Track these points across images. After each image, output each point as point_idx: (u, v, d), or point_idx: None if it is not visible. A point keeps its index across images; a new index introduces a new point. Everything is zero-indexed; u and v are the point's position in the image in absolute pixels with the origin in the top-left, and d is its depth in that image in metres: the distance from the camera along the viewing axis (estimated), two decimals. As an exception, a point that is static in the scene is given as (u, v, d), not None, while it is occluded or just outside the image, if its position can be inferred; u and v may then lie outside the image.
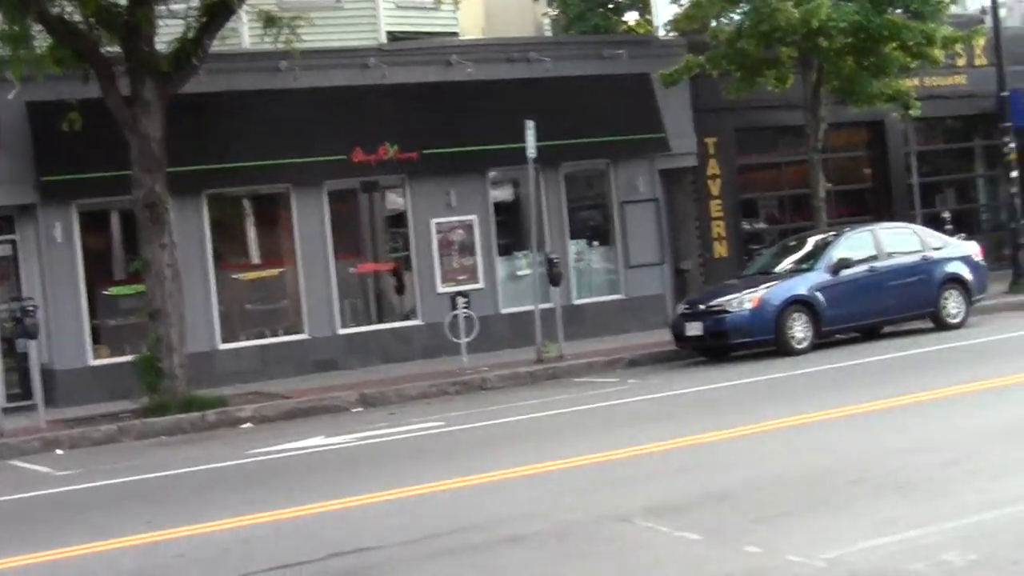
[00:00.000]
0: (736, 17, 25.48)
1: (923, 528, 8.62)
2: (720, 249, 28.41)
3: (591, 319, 27.41)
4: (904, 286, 23.37)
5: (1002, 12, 35.30)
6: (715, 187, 28.59)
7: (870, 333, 23.86)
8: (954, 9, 31.47)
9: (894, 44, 25.45)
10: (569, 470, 12.52)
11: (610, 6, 36.02)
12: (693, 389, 18.92)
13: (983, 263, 24.86)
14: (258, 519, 11.36)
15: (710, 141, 28.48)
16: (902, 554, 8.03)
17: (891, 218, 29.69)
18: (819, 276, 22.69)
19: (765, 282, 22.79)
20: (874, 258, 23.38)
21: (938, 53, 25.66)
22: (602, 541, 9.29)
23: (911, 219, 29.88)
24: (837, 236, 23.58)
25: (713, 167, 28.59)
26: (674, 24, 25.93)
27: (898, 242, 24.01)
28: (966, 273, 24.09)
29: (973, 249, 24.80)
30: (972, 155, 33.79)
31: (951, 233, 27.51)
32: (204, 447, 17.75)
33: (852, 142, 31.93)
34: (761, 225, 30.05)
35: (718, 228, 28.53)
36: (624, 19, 36.36)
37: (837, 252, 22.99)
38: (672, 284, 28.29)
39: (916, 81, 30.16)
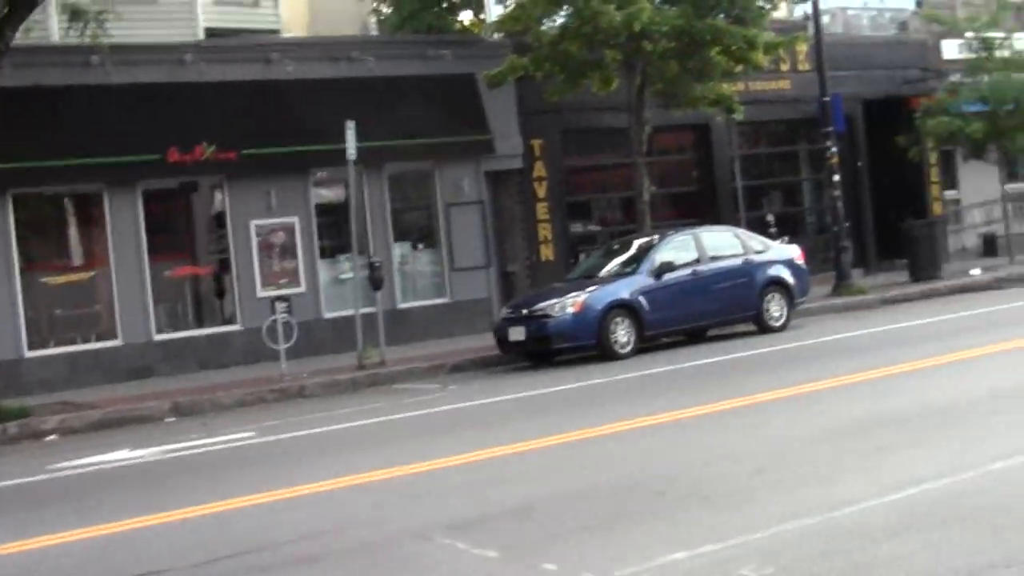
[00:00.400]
0: (559, 19, 25.27)
1: (723, 542, 8.42)
2: (547, 252, 28.23)
3: (417, 323, 27.06)
4: (727, 289, 23.43)
5: (825, 19, 35.79)
6: (542, 189, 28.41)
7: (695, 336, 23.88)
8: (778, 15, 31.85)
9: (717, 49, 25.50)
10: (374, 483, 12.15)
11: (444, 5, 35.62)
12: (512, 396, 18.65)
13: (805, 266, 25.02)
14: (44, 542, 10.78)
15: (536, 143, 28.29)
16: (698, 570, 7.83)
17: (717, 221, 29.84)
18: (642, 280, 22.60)
19: (588, 286, 22.65)
20: (697, 261, 23.38)
21: (760, 58, 25.77)
22: (400, 560, 8.94)
23: (736, 222, 30.06)
24: (660, 240, 23.55)
25: (540, 169, 28.41)
26: (499, 25, 25.66)
27: (721, 245, 24.07)
28: (788, 276, 24.23)
29: (795, 252, 24.97)
30: (797, 159, 34.15)
31: (775, 236, 27.78)
32: (1, 462, 16.98)
33: (679, 145, 32.06)
34: (590, 228, 29.93)
35: (545, 231, 28.34)
36: (459, 18, 35.98)
37: (659, 256, 22.94)
38: (499, 287, 28.04)
39: (741, 85, 30.36)
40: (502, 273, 28.27)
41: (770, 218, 29.06)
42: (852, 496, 9.47)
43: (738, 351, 21.39)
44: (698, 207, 31.49)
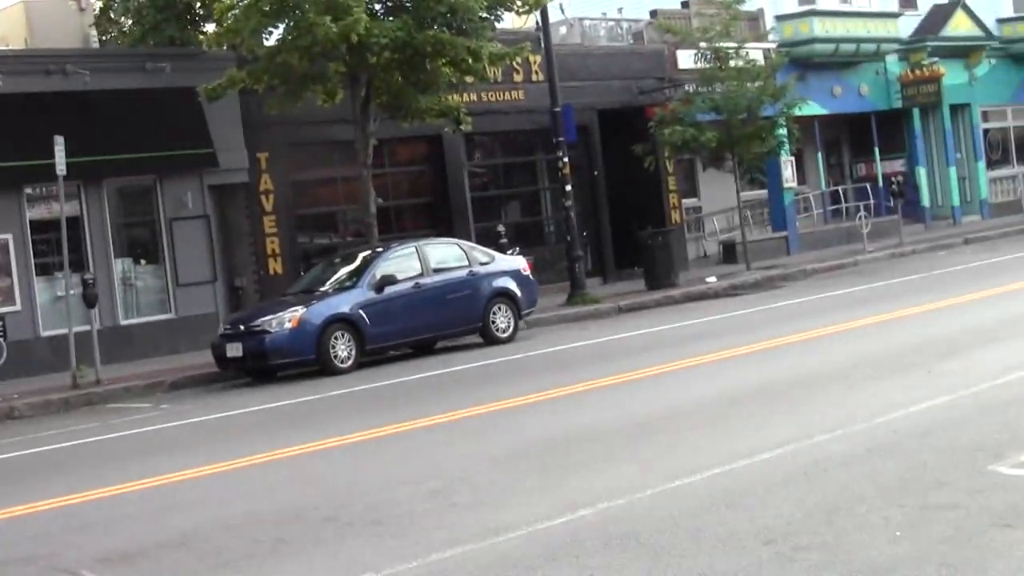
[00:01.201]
0: (276, 31, 24.70)
1: (383, 570, 8.19)
2: (275, 266, 27.61)
3: (140, 340, 26.18)
4: (451, 302, 23.18)
5: (563, 30, 36.01)
6: (269, 203, 27.78)
7: (423, 349, 23.58)
8: (511, 25, 31.84)
9: (443, 60, 25.23)
10: (45, 512, 11.53)
11: (188, 16, 34.46)
12: (222, 415, 18.11)
13: (532, 277, 24.94)
14: None
15: (262, 156, 27.65)
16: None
17: (451, 233, 29.61)
18: (363, 293, 22.19)
19: (308, 300, 22.14)
20: (420, 274, 23.04)
21: (485, 69, 25.61)
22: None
23: (470, 234, 29.84)
24: (381, 253, 23.17)
25: (266, 182, 27.77)
26: (217, 38, 24.90)
27: (445, 258, 23.82)
28: (514, 287, 24.10)
29: (521, 263, 24.87)
30: (535, 169, 34.13)
31: (506, 247, 27.63)
32: None
33: (413, 157, 31.72)
34: (320, 241, 29.36)
35: (273, 244, 27.70)
36: (205, 30, 34.87)
37: (380, 269, 22.57)
38: (227, 302, 27.30)
39: (474, 96, 30.21)
40: (230, 288, 27.56)
41: (501, 229, 28.86)
42: (522, 519, 9.24)
43: (460, 364, 21.14)
44: (433, 219, 31.23)
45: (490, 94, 31.13)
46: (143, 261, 27.05)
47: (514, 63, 30.49)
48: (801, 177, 41.36)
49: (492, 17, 25.61)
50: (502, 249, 27.42)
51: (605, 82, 33.88)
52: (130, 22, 33.29)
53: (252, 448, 14.01)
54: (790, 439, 11.07)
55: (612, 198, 34.22)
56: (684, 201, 38.25)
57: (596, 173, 33.84)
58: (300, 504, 10.79)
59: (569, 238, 29.29)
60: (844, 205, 41.03)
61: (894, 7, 41.13)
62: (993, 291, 22.20)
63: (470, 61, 24.93)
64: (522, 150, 33.77)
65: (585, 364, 19.02)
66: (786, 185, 37.93)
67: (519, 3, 25.61)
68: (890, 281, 27.40)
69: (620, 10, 38.59)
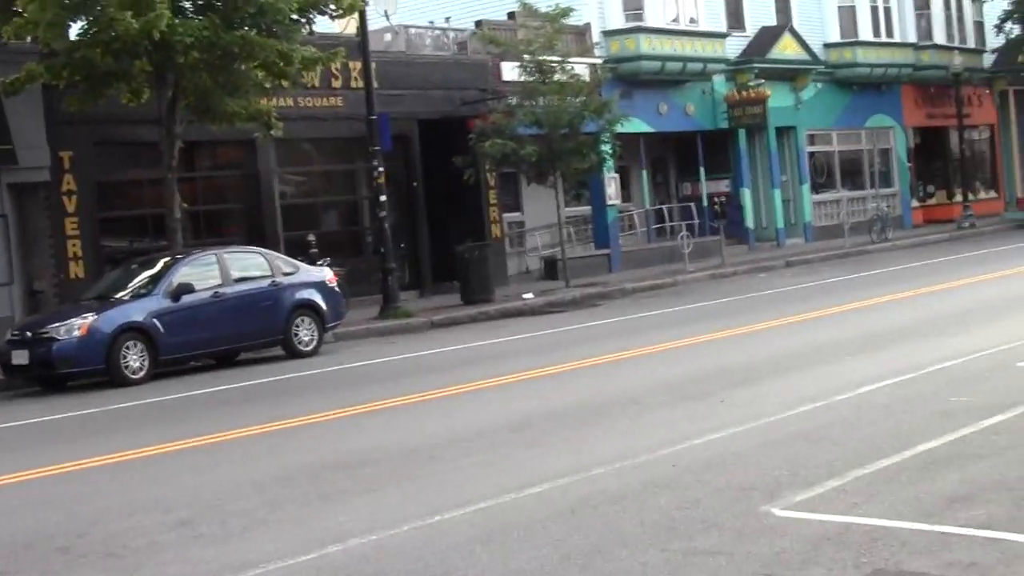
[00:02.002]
0: (77, 24, 23.64)
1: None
2: (76, 269, 26.46)
3: (-72, 345, 24.80)
4: (252, 312, 22.41)
5: (388, 37, 35.36)
6: (71, 204, 26.61)
7: (225, 361, 22.78)
8: (332, 29, 31.10)
9: (256, 62, 24.42)
10: None
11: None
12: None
13: (338, 289, 24.27)
14: None
15: (66, 155, 26.47)
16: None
17: (262, 240, 28.74)
18: (158, 302, 21.29)
19: (101, 307, 21.17)
20: (220, 284, 22.20)
21: (300, 73, 24.87)
22: None
23: (279, 242, 29.03)
24: (179, 260, 22.26)
25: (69, 182, 26.59)
26: (13, 29, 23.74)
27: (246, 267, 23.02)
28: (319, 299, 23.38)
29: (327, 275, 24.17)
30: (353, 177, 33.38)
31: (316, 257, 26.93)
32: None
33: (224, 161, 30.75)
34: (125, 245, 28.22)
35: (74, 247, 26.54)
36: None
37: (177, 277, 21.68)
38: (24, 306, 26.10)
39: (290, 101, 29.41)
40: (29, 291, 26.34)
41: (311, 238, 28.05)
42: (267, 555, 8.71)
43: (256, 378, 20.42)
44: (244, 226, 30.30)
45: (308, 100, 30.32)
46: (-68, 261, 25.74)
47: (333, 68, 29.92)
48: (627, 195, 41.30)
49: (304, 20, 24.79)
50: (312, 259, 26.73)
51: (427, 92, 33.26)
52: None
53: (5, 466, 13.15)
54: (567, 471, 10.61)
55: (432, 210, 33.60)
56: (508, 216, 37.85)
57: (415, 184, 33.21)
58: (37, 531, 10.06)
59: (382, 250, 28.62)
60: (669, 224, 40.95)
61: (722, 28, 41.22)
62: (803, 316, 22.14)
63: (281, 64, 24.13)
64: (340, 158, 32.98)
65: (381, 382, 18.45)
66: (609, 202, 37.72)
67: (332, 6, 24.83)
68: (705, 303, 27.30)
69: (448, 19, 38.03)
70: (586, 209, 39.14)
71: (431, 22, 37.68)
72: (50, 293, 26.22)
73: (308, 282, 23.47)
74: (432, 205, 33.64)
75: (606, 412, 13.59)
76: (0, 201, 25.93)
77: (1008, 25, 49.71)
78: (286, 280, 23.12)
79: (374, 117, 28.29)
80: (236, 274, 22.62)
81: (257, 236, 29.11)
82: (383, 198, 28.53)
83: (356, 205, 33.67)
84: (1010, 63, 51.03)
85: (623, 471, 10.52)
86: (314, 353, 22.95)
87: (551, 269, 35.48)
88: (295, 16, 24.30)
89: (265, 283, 22.85)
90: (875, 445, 10.73)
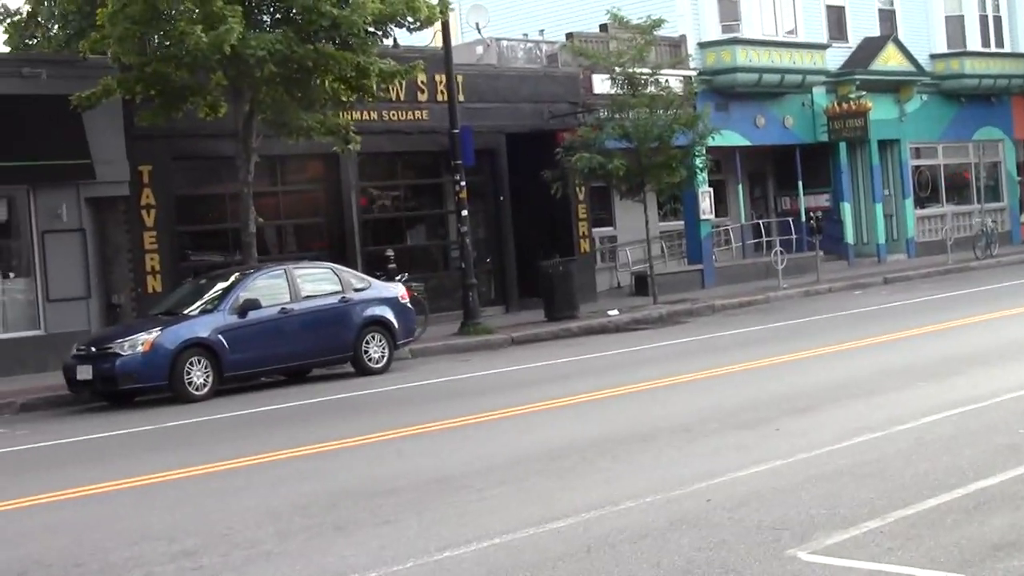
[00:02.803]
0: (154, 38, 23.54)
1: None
2: (155, 284, 26.37)
3: (7, 356, 24.90)
4: (321, 329, 22.10)
5: (479, 50, 35.00)
6: (150, 218, 26.55)
7: (296, 377, 22.51)
8: (418, 42, 30.79)
9: (332, 76, 24.15)
10: None
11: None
12: (41, 444, 16.95)
13: (410, 305, 23.85)
14: None
15: (145, 169, 26.43)
16: None
17: (343, 254, 28.56)
18: (224, 318, 21.02)
19: (168, 323, 20.97)
20: (287, 300, 21.90)
21: (374, 86, 24.54)
22: None
23: (357, 257, 28.72)
24: (246, 276, 21.98)
25: (148, 196, 26.53)
26: (89, 44, 23.71)
27: (316, 282, 22.70)
28: (390, 316, 22.99)
29: (399, 291, 23.77)
30: (440, 191, 33.02)
31: (395, 272, 26.60)
32: None
33: (307, 175, 30.52)
34: (204, 259, 28.09)
35: (152, 261, 26.46)
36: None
37: (244, 293, 21.39)
38: (103, 319, 26.05)
39: (374, 115, 29.18)
40: (107, 305, 26.30)
41: (389, 253, 27.64)
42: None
43: (321, 395, 20.09)
44: (325, 240, 30.08)
45: (392, 113, 30.04)
46: (11, 275, 25.75)
47: (419, 81, 29.63)
48: (723, 209, 40.55)
49: (381, 32, 24.47)
50: (391, 274, 26.37)
51: (515, 105, 32.82)
52: (56, 27, 32.25)
53: (39, 486, 12.91)
54: (595, 504, 10.08)
55: (519, 225, 33.12)
56: (600, 230, 37.30)
57: (502, 198, 32.76)
58: (37, 559, 9.78)
59: (463, 265, 28.19)
60: (765, 239, 40.06)
61: (823, 38, 40.29)
62: (885, 337, 21.35)
63: (358, 78, 23.83)
64: (425, 172, 32.60)
65: (441, 402, 18.06)
66: (703, 217, 36.97)
67: (410, 19, 24.45)
68: (791, 321, 26.57)
69: (542, 32, 37.58)
70: (680, 224, 38.43)
71: (525, 34, 37.25)
72: (128, 307, 26.16)
73: (379, 298, 23.10)
74: (520, 219, 33.16)
75: (653, 439, 13.00)
76: (79, 215, 25.88)
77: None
78: (356, 296, 22.77)
79: (456, 131, 27.89)
80: (305, 290, 22.31)
81: (339, 250, 28.92)
82: (465, 212, 28.14)
83: (441, 219, 33.29)
84: None
85: (653, 506, 9.96)
86: (384, 370, 22.57)
87: (641, 285, 34.81)
88: (371, 29, 23.94)
89: (335, 299, 22.51)
90: (927, 482, 10.07)
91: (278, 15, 24.14)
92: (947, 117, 45.21)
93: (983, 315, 23.75)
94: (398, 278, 26.34)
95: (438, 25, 27.58)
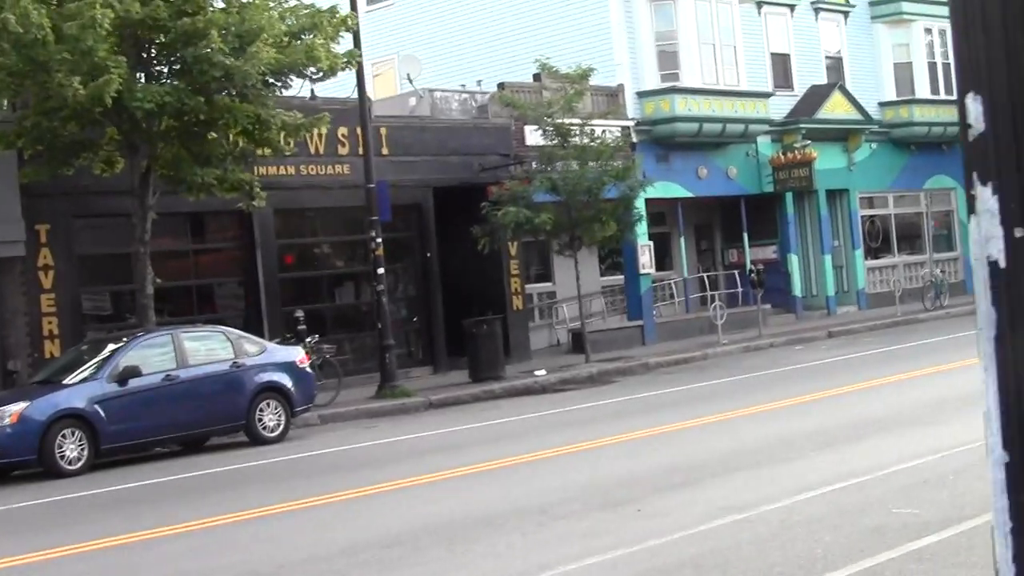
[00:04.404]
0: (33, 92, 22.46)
1: None
2: (52, 348, 25.15)
3: None
4: (209, 396, 20.93)
5: (412, 101, 34.07)
6: (48, 279, 25.37)
7: (195, 446, 21.35)
8: (338, 93, 29.82)
9: (235, 129, 23.15)
10: None
11: None
12: None
13: (309, 370, 22.71)
14: None
15: (42, 228, 25.28)
16: None
17: (257, 315, 27.49)
18: (102, 387, 19.83)
19: (41, 393, 19.80)
20: (173, 366, 20.73)
21: (278, 140, 23.56)
22: None
23: (277, 317, 27.60)
24: (129, 342, 20.81)
25: (46, 257, 25.37)
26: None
27: (206, 347, 21.53)
28: (286, 381, 21.83)
29: (297, 355, 22.60)
30: (366, 248, 31.83)
31: (304, 334, 25.51)
32: None
33: (222, 233, 29.40)
34: (104, 324, 26.86)
35: (50, 325, 25.27)
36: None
37: (124, 360, 20.21)
38: (-1, 387, 24.85)
39: (291, 169, 28.19)
40: (3, 372, 25.10)
41: (299, 314, 26.42)
42: None
43: (201, 468, 18.94)
44: (238, 300, 28.96)
45: (311, 167, 29.01)
46: (-102, 340, 24.60)
47: (339, 135, 28.70)
48: (668, 262, 39.62)
49: (280, 83, 23.46)
50: (301, 336, 25.28)
51: (443, 157, 31.81)
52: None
53: None
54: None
55: (449, 282, 32.01)
56: (538, 286, 36.33)
57: (429, 255, 31.69)
58: None
59: (380, 325, 27.05)
60: (710, 293, 39.03)
61: (767, 87, 39.45)
62: (807, 398, 20.35)
63: (263, 131, 22.82)
64: (348, 228, 31.43)
65: (326, 475, 17.01)
66: (642, 271, 35.93)
67: (312, 69, 23.45)
68: (721, 380, 25.56)
69: (479, 82, 36.63)
70: (622, 278, 37.40)
71: (463, 85, 36.34)
72: (25, 374, 24.93)
73: (275, 363, 21.94)
74: (449, 276, 32.07)
75: (503, 524, 11.89)
76: (-29, 276, 24.74)
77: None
78: (250, 361, 21.61)
79: (372, 185, 26.87)
80: (193, 355, 21.13)
81: (253, 311, 27.80)
82: (381, 271, 27.09)
83: (367, 277, 32.13)
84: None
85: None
86: (281, 439, 21.42)
87: (579, 342, 33.74)
88: (271, 80, 22.95)
89: (225, 365, 21.36)
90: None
91: (176, 66, 23.09)
92: (897, 166, 44.37)
93: (915, 371, 22.81)
94: (309, 340, 25.31)
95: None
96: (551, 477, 14.56)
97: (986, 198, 3.03)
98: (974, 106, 3.04)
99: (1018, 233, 3.01)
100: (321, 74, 23.80)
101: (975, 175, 3.06)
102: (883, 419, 16.94)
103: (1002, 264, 3.03)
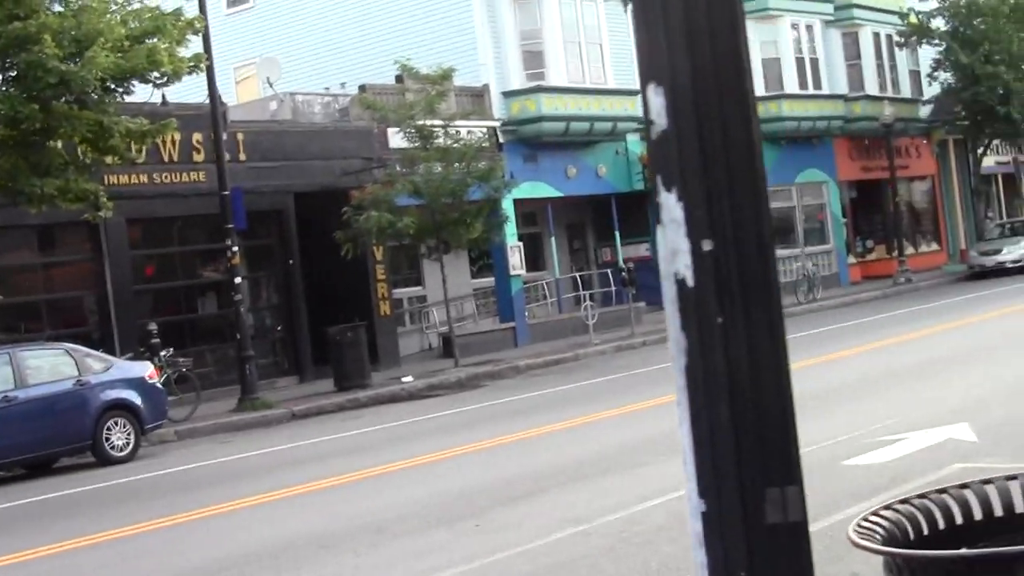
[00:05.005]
0: None
1: None
2: None
3: None
4: (52, 417, 20.09)
5: (273, 105, 33.37)
6: None
7: (42, 468, 20.52)
8: (197, 98, 29.03)
9: (77, 138, 22.33)
10: None
11: None
12: None
13: (159, 385, 21.97)
14: None
15: None
16: None
17: (111, 331, 26.63)
18: (-68, 409, 18.96)
19: None
20: (11, 386, 19.88)
21: (122, 147, 22.77)
22: None
23: (132, 331, 26.75)
24: (-41, 363, 19.95)
25: None
26: None
27: (48, 365, 20.67)
28: (135, 398, 21.07)
29: (145, 371, 21.85)
30: (225, 257, 31.07)
31: (158, 347, 24.75)
32: None
33: (71, 245, 28.46)
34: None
35: None
36: None
37: (-45, 379, 19.37)
38: None
39: (144, 178, 27.38)
40: None
41: (152, 327, 25.53)
42: None
43: (46, 492, 18.13)
44: (90, 315, 28.08)
45: (165, 175, 28.20)
46: None
47: (195, 141, 27.96)
48: (542, 263, 39.29)
49: (121, 89, 22.68)
50: (153, 351, 24.50)
51: (304, 162, 31.11)
52: None
53: None
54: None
55: (314, 289, 31.37)
56: (409, 290, 35.79)
57: (292, 262, 31.02)
58: None
59: (239, 336, 26.36)
60: (584, 292, 38.68)
61: (635, 84, 39.13)
62: (666, 399, 19.94)
63: (105, 139, 22.03)
64: (207, 236, 30.58)
65: (170, 495, 16.31)
66: (513, 273, 35.53)
67: (155, 74, 22.70)
68: (592, 381, 25.27)
69: (343, 84, 36.01)
70: (493, 280, 36.97)
71: (327, 88, 35.71)
72: None
73: (122, 380, 21.16)
74: (314, 283, 31.44)
75: (336, 544, 11.36)
76: None
77: (940, 73, 47.85)
78: (96, 379, 20.81)
79: (227, 192, 26.16)
80: (33, 374, 20.28)
81: (104, 326, 26.96)
82: (239, 280, 26.43)
83: (228, 287, 31.36)
84: (946, 112, 49.13)
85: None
86: (130, 458, 20.66)
87: (449, 346, 33.26)
88: (111, 85, 22.17)
89: (69, 383, 20.54)
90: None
91: (11, 73, 22.22)
92: (768, 160, 43.81)
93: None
94: (164, 353, 24.57)
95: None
96: (394, 492, 14.03)
97: (671, 206, 2.59)
98: (656, 99, 2.60)
99: (706, 246, 2.58)
100: (165, 79, 23.03)
101: (659, 180, 2.62)
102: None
103: (690, 283, 2.59)
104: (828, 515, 9.53)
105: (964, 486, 3.98)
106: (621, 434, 16.65)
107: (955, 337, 24.67)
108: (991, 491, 3.96)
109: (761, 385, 2.57)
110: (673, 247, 2.57)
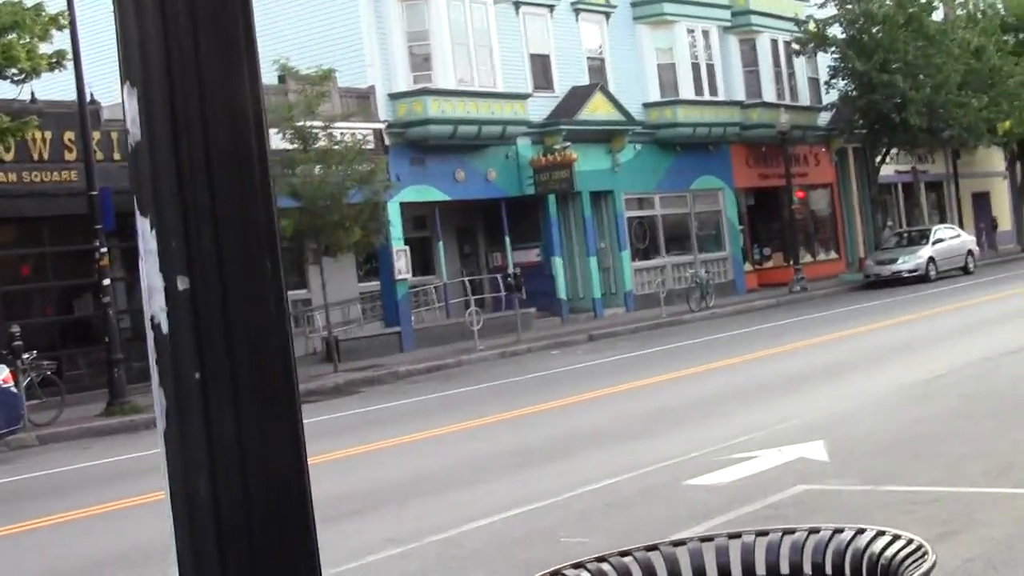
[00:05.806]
0: None
1: None
2: None
3: None
4: None
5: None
6: None
7: None
8: (58, 96, 28.27)
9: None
10: None
11: None
12: None
13: (14, 389, 21.24)
14: None
15: None
16: None
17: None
18: None
19: None
20: None
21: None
22: None
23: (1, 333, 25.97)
24: None
25: None
26: None
27: None
28: (-15, 403, 20.36)
29: (1, 374, 21.12)
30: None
31: (20, 351, 23.98)
32: None
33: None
34: None
35: None
36: None
37: None
38: None
39: (13, 176, 26.59)
40: None
41: (15, 330, 24.66)
42: None
43: None
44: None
45: (35, 174, 27.40)
46: None
47: (66, 139, 27.20)
48: (431, 267, 38.78)
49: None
50: (16, 353, 23.73)
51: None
52: None
53: None
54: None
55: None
56: (293, 293, 35.06)
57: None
58: None
59: (108, 339, 25.65)
60: (473, 297, 38.20)
61: (526, 88, 38.84)
62: (531, 409, 19.63)
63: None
64: (78, 237, 29.68)
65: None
66: (398, 277, 35.01)
67: (13, 71, 21.98)
68: (469, 388, 24.85)
69: (227, 84, 35.21)
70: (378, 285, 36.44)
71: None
72: None
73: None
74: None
75: (142, 564, 10.80)
76: None
77: (838, 81, 47.96)
78: (-58, 384, 20.10)
79: (95, 192, 25.43)
80: None
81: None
82: (107, 282, 25.70)
83: (102, 289, 30.56)
84: (844, 120, 49.25)
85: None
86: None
87: (331, 351, 32.67)
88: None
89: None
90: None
91: None
92: (663, 167, 44.21)
93: (654, 377, 22.30)
94: (27, 356, 23.80)
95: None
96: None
97: (146, 234, 2.12)
98: (131, 104, 2.13)
99: (181, 284, 2.11)
100: (23, 75, 22.30)
101: (135, 202, 2.15)
102: (598, 432, 16.27)
103: (164, 328, 2.12)
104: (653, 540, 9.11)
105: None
106: (469, 447, 16.39)
107: (835, 349, 24.53)
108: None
109: (256, 459, 2.10)
110: (150, 285, 2.10)
